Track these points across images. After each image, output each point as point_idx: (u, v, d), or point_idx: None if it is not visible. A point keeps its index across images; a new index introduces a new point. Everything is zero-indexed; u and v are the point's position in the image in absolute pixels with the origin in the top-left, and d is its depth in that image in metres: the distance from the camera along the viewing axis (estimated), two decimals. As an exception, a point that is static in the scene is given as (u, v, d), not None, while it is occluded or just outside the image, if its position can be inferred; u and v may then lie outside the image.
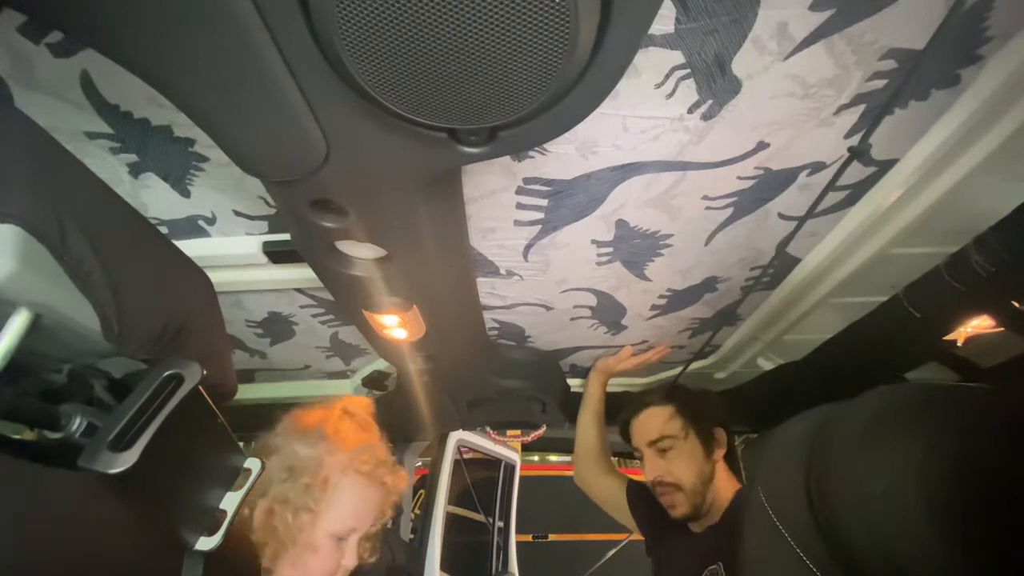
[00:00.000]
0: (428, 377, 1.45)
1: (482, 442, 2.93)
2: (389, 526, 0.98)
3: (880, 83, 0.67)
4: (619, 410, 1.43)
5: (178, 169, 0.82)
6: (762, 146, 0.76)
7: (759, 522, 0.69)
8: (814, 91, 0.67)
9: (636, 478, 1.54)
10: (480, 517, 3.11)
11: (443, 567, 2.32)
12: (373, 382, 1.66)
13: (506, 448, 3.16)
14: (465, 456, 2.96)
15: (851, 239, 0.95)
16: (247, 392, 1.68)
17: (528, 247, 0.98)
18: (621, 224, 0.93)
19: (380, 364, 1.61)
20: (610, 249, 1.00)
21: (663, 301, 1.22)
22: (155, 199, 0.88)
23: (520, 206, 0.87)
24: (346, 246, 0.85)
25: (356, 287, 0.94)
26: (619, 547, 4.39)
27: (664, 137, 0.73)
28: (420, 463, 3.04)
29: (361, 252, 0.86)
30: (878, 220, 0.90)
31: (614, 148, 0.75)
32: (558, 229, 0.93)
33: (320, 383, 1.70)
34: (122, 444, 0.47)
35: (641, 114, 0.69)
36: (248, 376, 1.62)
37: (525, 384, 1.56)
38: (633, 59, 0.52)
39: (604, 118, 0.69)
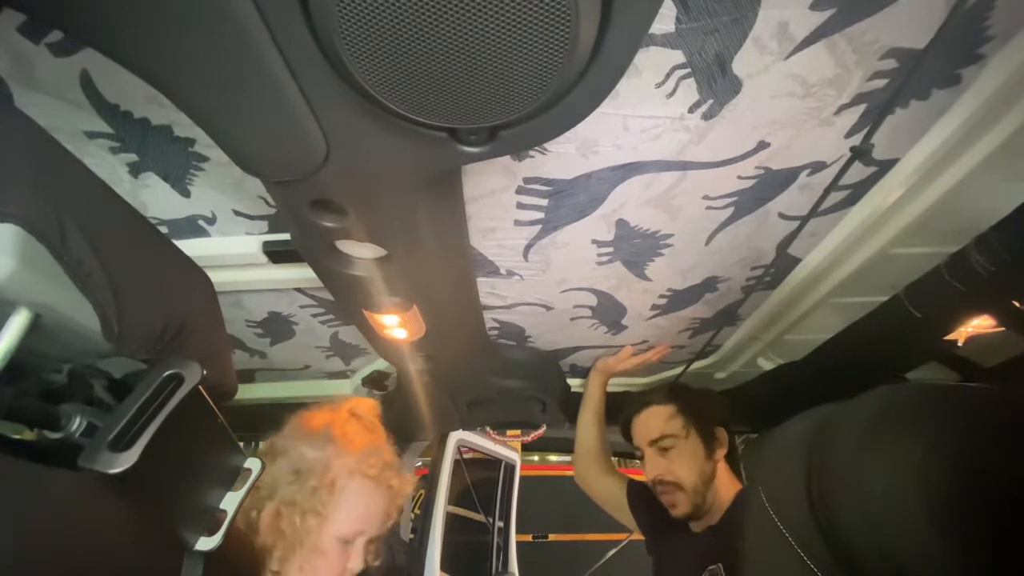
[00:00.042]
0: (428, 377, 1.45)
1: (482, 442, 2.93)
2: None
3: (881, 83, 0.67)
4: (619, 410, 1.43)
5: (178, 169, 0.82)
6: (763, 146, 0.76)
7: (760, 522, 0.69)
8: (815, 91, 0.67)
9: (636, 478, 1.54)
10: (480, 517, 3.10)
11: (443, 567, 2.32)
12: (373, 382, 1.66)
13: (506, 448, 3.16)
14: (465, 456, 2.96)
15: (851, 239, 0.95)
16: (247, 392, 1.68)
17: (528, 247, 0.98)
18: (621, 224, 0.93)
19: (380, 364, 1.61)
20: (610, 249, 1.00)
21: (663, 301, 1.22)
22: (155, 199, 0.88)
23: (520, 206, 0.87)
24: (346, 246, 0.85)
25: (356, 287, 0.94)
26: (619, 547, 4.39)
27: (665, 137, 0.73)
28: (420, 463, 3.04)
29: (361, 252, 0.86)
30: (879, 220, 0.89)
31: (614, 148, 0.75)
32: (558, 229, 0.93)
33: (320, 383, 1.70)
34: (122, 444, 0.47)
35: (642, 113, 0.69)
36: (248, 376, 1.62)
37: (525, 384, 1.56)
38: (634, 59, 0.52)
39: (604, 118, 0.69)
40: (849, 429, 0.61)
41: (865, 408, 0.62)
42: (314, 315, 1.29)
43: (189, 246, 0.79)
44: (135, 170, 0.82)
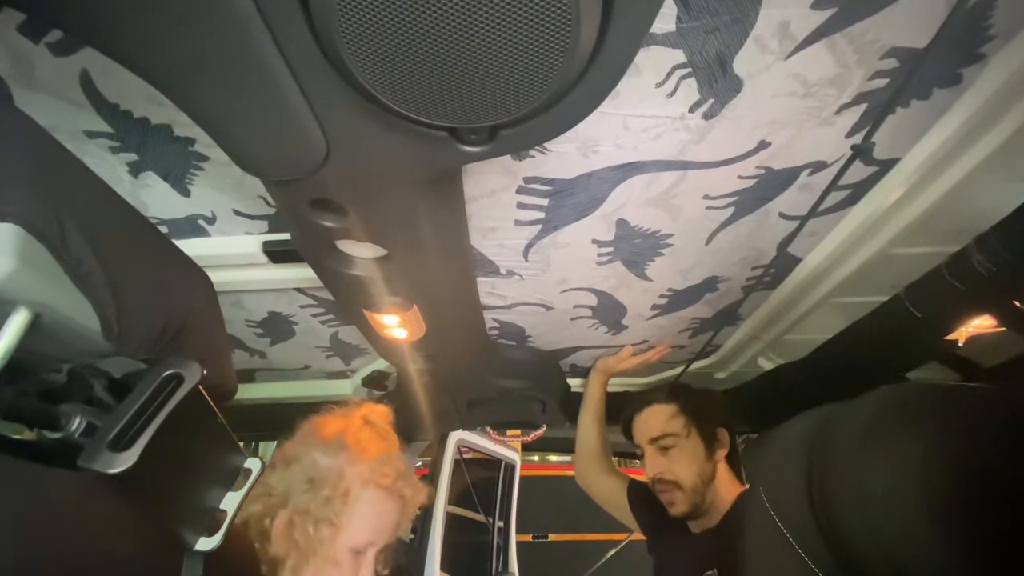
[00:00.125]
0: (428, 377, 1.44)
1: (482, 442, 2.93)
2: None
3: (882, 82, 0.67)
4: (619, 410, 1.43)
5: (178, 168, 0.82)
6: (763, 145, 0.76)
7: (760, 522, 0.69)
8: (815, 90, 0.67)
9: (637, 478, 1.54)
10: (480, 517, 3.10)
11: (443, 567, 2.32)
12: (373, 382, 1.66)
13: (506, 448, 3.16)
14: (465, 456, 2.96)
15: (852, 239, 0.95)
16: (247, 392, 1.67)
17: (528, 247, 0.98)
18: (622, 224, 0.93)
19: (380, 364, 1.61)
20: (611, 249, 1.00)
21: (664, 301, 1.22)
22: (155, 198, 0.88)
23: (520, 205, 0.87)
24: (346, 246, 0.84)
25: (356, 287, 0.93)
26: (619, 547, 4.39)
27: (665, 136, 0.73)
28: (420, 463, 3.04)
29: (361, 252, 0.86)
30: (879, 220, 0.89)
31: (615, 147, 0.75)
32: (558, 229, 0.93)
33: (320, 383, 1.70)
34: (122, 444, 0.47)
35: (642, 113, 0.69)
36: (248, 376, 1.62)
37: (525, 384, 1.56)
38: (634, 58, 0.52)
39: (605, 117, 0.69)
40: (849, 429, 0.61)
41: (865, 408, 0.62)
42: (314, 315, 1.29)
43: (189, 246, 0.79)
44: (135, 170, 0.82)
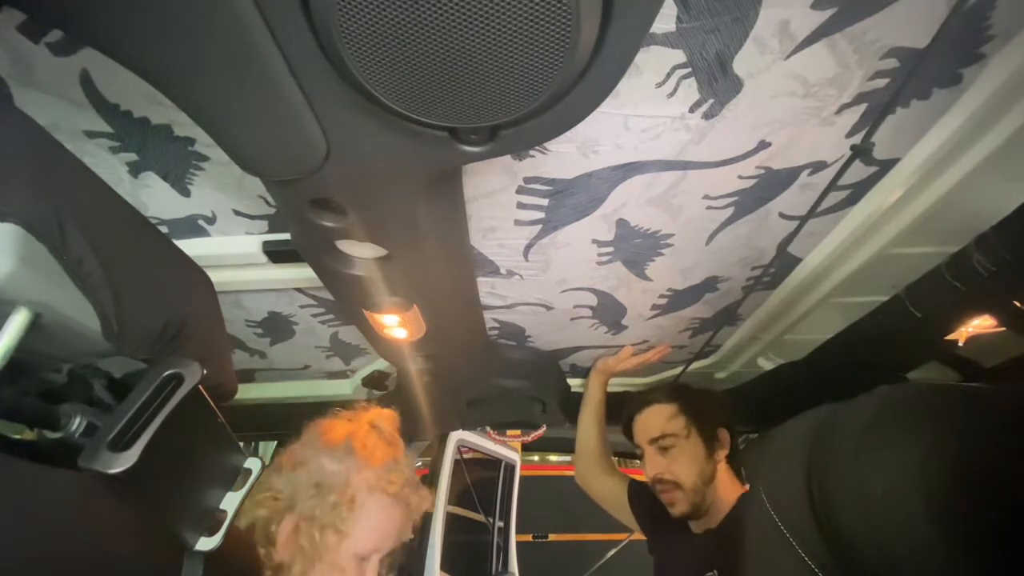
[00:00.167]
0: (428, 377, 1.44)
1: (482, 442, 2.93)
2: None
3: (882, 82, 0.67)
4: (620, 410, 1.43)
5: (178, 168, 0.82)
6: (763, 145, 0.76)
7: (761, 522, 0.69)
8: (815, 90, 0.67)
9: (637, 478, 1.53)
10: (480, 517, 3.10)
11: (443, 567, 2.32)
12: (373, 382, 1.66)
13: (506, 448, 3.16)
14: (465, 456, 2.96)
15: (852, 239, 0.95)
16: (247, 392, 1.67)
17: (528, 247, 0.98)
18: (622, 223, 0.93)
19: (380, 364, 1.61)
20: (611, 249, 1.00)
21: (664, 301, 1.21)
22: (155, 198, 0.88)
23: (521, 205, 0.87)
24: (346, 245, 0.84)
25: (356, 287, 0.93)
26: (619, 547, 4.39)
27: (665, 136, 0.73)
28: (420, 463, 3.03)
29: (361, 252, 0.86)
30: (879, 220, 0.89)
31: (615, 147, 0.75)
32: (559, 229, 0.93)
33: (320, 383, 1.70)
34: (122, 444, 0.47)
35: (642, 113, 0.69)
36: (248, 376, 1.62)
37: (525, 384, 1.56)
38: (634, 58, 0.52)
39: (605, 117, 0.69)
40: (849, 429, 0.61)
41: (865, 408, 0.62)
42: (314, 315, 1.29)
43: (189, 246, 0.79)
44: (135, 169, 0.82)
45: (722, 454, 1.25)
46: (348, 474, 0.85)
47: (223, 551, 0.58)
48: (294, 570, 0.80)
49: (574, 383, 1.73)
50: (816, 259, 1.04)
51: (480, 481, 3.12)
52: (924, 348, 1.22)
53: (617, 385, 1.70)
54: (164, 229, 0.94)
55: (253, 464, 0.66)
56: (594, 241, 0.97)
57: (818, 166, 0.82)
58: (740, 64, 0.63)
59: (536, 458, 5.11)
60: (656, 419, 1.29)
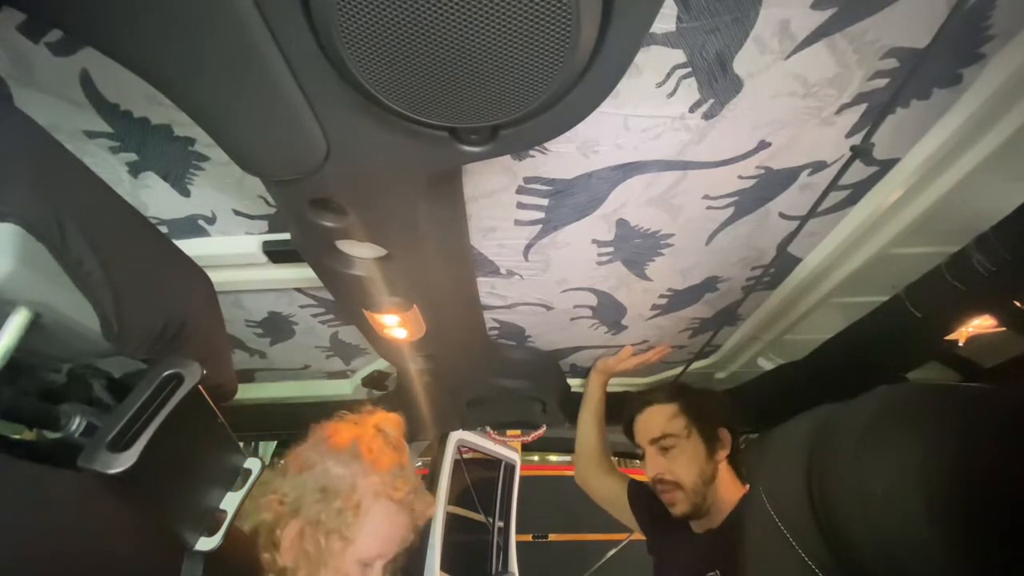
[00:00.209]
0: (428, 377, 1.44)
1: (482, 442, 2.93)
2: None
3: (882, 82, 0.67)
4: (620, 410, 1.43)
5: (178, 168, 0.82)
6: (763, 145, 0.76)
7: (761, 523, 0.69)
8: (815, 90, 0.67)
9: (637, 478, 1.53)
10: (480, 517, 3.10)
11: (443, 567, 2.32)
12: (373, 382, 1.66)
13: (506, 448, 3.16)
14: (465, 456, 2.96)
15: (852, 239, 0.95)
16: (247, 392, 1.67)
17: (528, 247, 0.98)
18: (622, 223, 0.93)
19: (380, 364, 1.61)
20: (611, 249, 1.00)
21: (664, 301, 1.21)
22: (155, 198, 0.88)
23: (521, 205, 0.87)
24: (346, 245, 0.84)
25: (356, 287, 0.93)
26: (619, 547, 4.39)
27: (665, 136, 0.73)
28: (420, 463, 3.04)
29: (361, 252, 0.86)
30: (879, 220, 0.89)
31: (615, 147, 0.75)
32: (559, 229, 0.93)
33: (320, 383, 1.70)
34: (121, 444, 0.47)
35: (642, 113, 0.69)
36: (248, 376, 1.62)
37: (525, 384, 1.56)
38: (634, 58, 0.52)
39: (605, 117, 0.69)
40: (849, 429, 0.61)
41: (865, 408, 0.62)
42: (314, 315, 1.29)
43: (189, 246, 0.79)
44: (135, 169, 0.82)
45: (723, 454, 1.25)
46: (354, 479, 0.85)
47: (223, 551, 0.58)
48: (298, 575, 0.80)
49: (574, 383, 1.73)
50: (816, 259, 1.04)
51: (480, 481, 3.12)
52: (924, 348, 1.22)
53: (617, 385, 1.70)
54: (164, 229, 0.94)
55: (253, 464, 0.66)
56: (594, 241, 0.97)
57: (818, 166, 0.82)
58: (740, 64, 0.63)
59: (536, 458, 5.11)
60: (657, 419, 1.29)
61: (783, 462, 0.71)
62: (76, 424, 0.50)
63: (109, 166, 0.81)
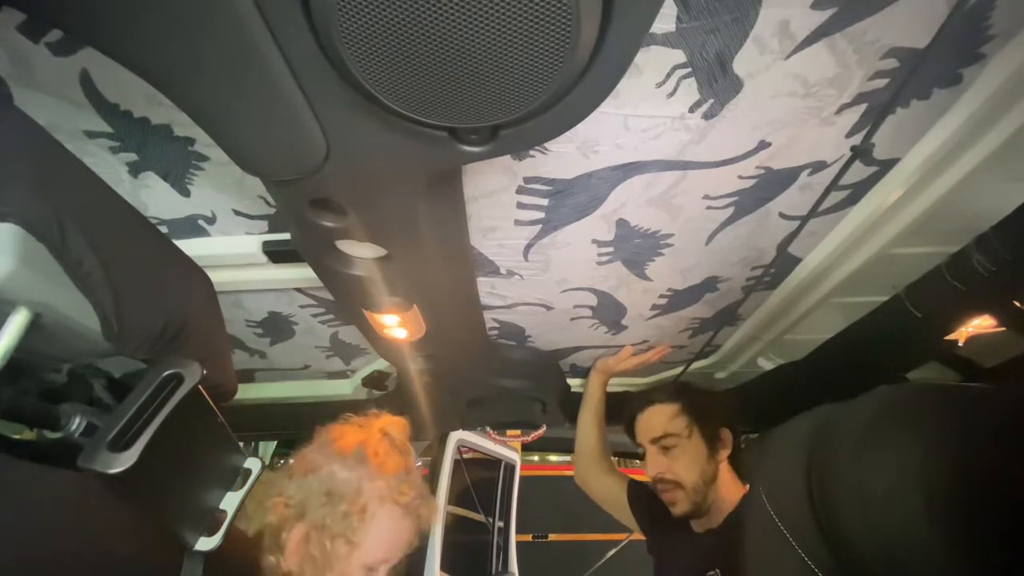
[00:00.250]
0: (428, 377, 1.44)
1: (482, 442, 2.93)
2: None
3: (882, 82, 0.67)
4: (620, 410, 1.43)
5: (178, 168, 0.82)
6: (763, 145, 0.76)
7: (761, 523, 0.69)
8: (815, 90, 0.67)
9: (637, 478, 1.53)
10: (480, 517, 3.10)
11: (443, 567, 2.32)
12: (373, 382, 1.66)
13: (506, 448, 3.16)
14: (465, 456, 2.96)
15: (852, 239, 0.95)
16: (247, 392, 1.67)
17: (528, 247, 0.98)
18: (622, 223, 0.93)
19: (380, 364, 1.61)
20: (611, 249, 1.00)
21: (664, 301, 1.21)
22: (155, 198, 0.88)
23: (521, 205, 0.87)
24: (346, 245, 0.84)
25: (356, 287, 0.93)
26: (619, 547, 4.39)
27: (665, 136, 0.73)
28: (420, 463, 3.03)
29: (361, 252, 0.86)
30: (879, 220, 0.89)
31: (615, 147, 0.75)
32: (559, 229, 0.93)
33: (320, 383, 1.70)
34: (121, 444, 0.47)
35: (642, 113, 0.69)
36: (248, 376, 1.62)
37: (525, 384, 1.56)
38: (634, 58, 0.52)
39: (605, 117, 0.69)
40: (849, 429, 0.61)
41: (865, 408, 0.62)
42: (314, 315, 1.29)
43: (189, 246, 0.79)
44: (135, 169, 0.82)
45: (724, 454, 1.25)
46: (360, 483, 0.84)
47: (223, 551, 0.58)
48: None
49: (574, 383, 1.73)
50: (816, 259, 1.04)
51: (480, 481, 3.12)
52: (924, 348, 1.22)
53: (617, 385, 1.69)
54: (164, 229, 0.94)
55: (253, 464, 0.66)
56: (594, 241, 0.97)
57: (818, 166, 0.82)
58: (740, 64, 0.63)
59: (536, 458, 5.11)
60: (658, 418, 1.29)
61: (783, 462, 0.71)
62: (76, 424, 0.50)
63: (109, 166, 0.81)
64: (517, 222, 0.91)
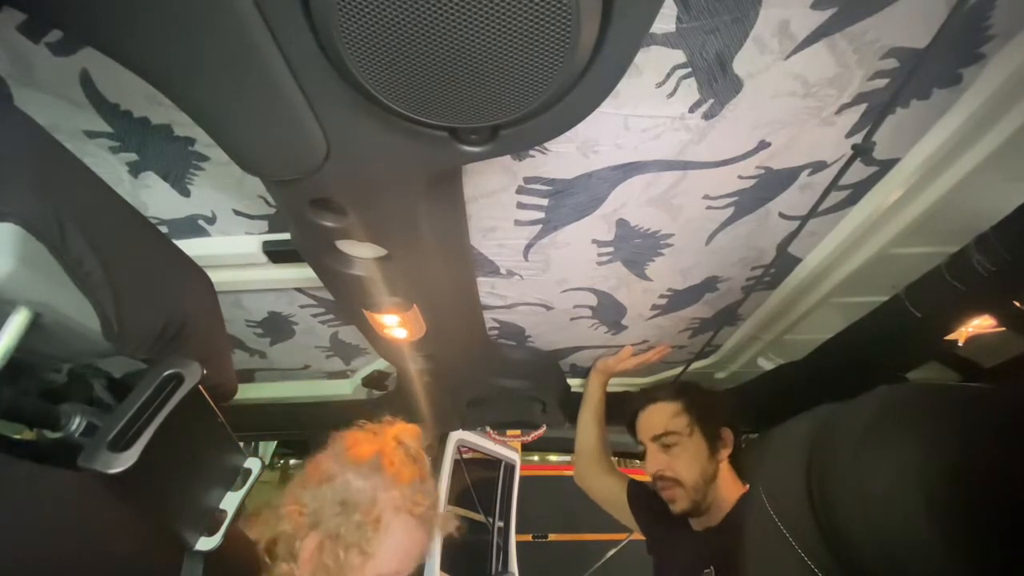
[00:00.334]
0: (428, 377, 1.44)
1: (482, 442, 2.93)
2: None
3: (882, 82, 0.67)
4: (620, 410, 1.43)
5: (178, 168, 0.82)
6: (763, 145, 0.76)
7: (761, 522, 0.69)
8: (815, 90, 0.67)
9: (637, 478, 1.53)
10: (480, 517, 3.10)
11: (443, 567, 2.32)
12: (373, 382, 1.66)
13: (506, 448, 3.16)
14: (465, 456, 2.96)
15: (852, 239, 0.95)
16: (247, 392, 1.67)
17: (528, 247, 0.98)
18: (622, 223, 0.93)
19: (380, 364, 1.61)
20: (611, 249, 1.00)
21: (664, 301, 1.21)
22: (155, 198, 0.88)
23: (521, 205, 0.87)
24: (346, 245, 0.84)
25: (356, 287, 0.93)
26: (619, 547, 4.39)
27: (665, 136, 0.73)
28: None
29: (361, 252, 0.86)
30: (879, 220, 0.89)
31: (615, 147, 0.75)
32: (559, 229, 0.93)
33: (320, 383, 1.70)
34: (122, 444, 0.47)
35: (642, 113, 0.69)
36: (248, 376, 1.62)
37: (525, 384, 1.56)
38: (634, 58, 0.52)
39: (605, 117, 0.69)
40: (849, 429, 0.61)
41: (865, 408, 0.62)
42: (314, 315, 1.29)
43: (189, 246, 0.79)
44: (135, 169, 0.82)
45: (725, 453, 1.25)
46: (375, 492, 0.84)
47: (223, 551, 0.58)
48: None
49: (574, 383, 1.73)
50: (816, 259, 1.04)
51: (480, 481, 3.12)
52: (924, 348, 1.22)
53: (617, 385, 1.70)
54: (164, 229, 0.94)
55: (253, 464, 0.66)
56: (594, 241, 0.97)
57: (818, 166, 0.82)
58: (740, 64, 0.63)
59: (536, 458, 5.11)
60: (659, 416, 1.29)
61: (783, 462, 0.71)
62: (76, 424, 0.50)
63: (109, 166, 0.81)
64: (517, 222, 0.91)
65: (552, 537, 4.77)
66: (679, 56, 0.61)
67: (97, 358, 0.56)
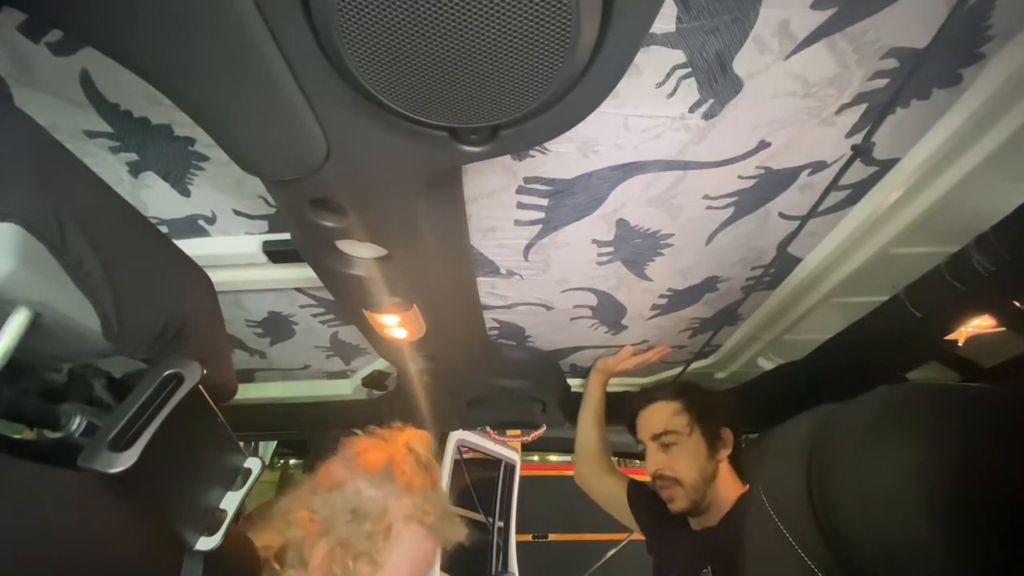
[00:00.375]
0: (428, 377, 1.44)
1: (482, 442, 2.93)
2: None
3: (882, 82, 0.67)
4: (620, 410, 1.43)
5: (178, 168, 0.82)
6: (763, 145, 0.76)
7: (760, 522, 0.69)
8: (815, 90, 0.67)
9: (637, 478, 1.53)
10: (480, 517, 3.10)
11: (443, 567, 2.32)
12: (373, 382, 1.66)
13: (506, 448, 3.16)
14: (465, 456, 2.96)
15: (852, 239, 0.95)
16: (247, 392, 1.67)
17: (528, 247, 0.98)
18: (622, 223, 0.93)
19: (380, 364, 1.61)
20: (611, 249, 1.00)
21: (664, 301, 1.22)
22: (155, 198, 0.88)
23: (521, 205, 0.87)
24: (346, 245, 0.84)
25: (356, 287, 0.93)
26: (619, 547, 4.39)
27: (665, 136, 0.73)
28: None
29: (361, 251, 0.86)
30: (879, 220, 0.89)
31: (615, 147, 0.75)
32: (559, 229, 0.93)
33: (320, 383, 1.70)
34: (122, 444, 0.47)
35: (642, 113, 0.69)
36: (248, 376, 1.62)
37: (525, 384, 1.56)
38: (634, 58, 0.52)
39: (605, 117, 0.69)
40: (849, 429, 0.61)
41: (865, 408, 0.62)
42: (314, 315, 1.29)
43: (189, 246, 0.79)
44: (135, 169, 0.82)
45: (724, 453, 1.25)
46: (386, 501, 0.83)
47: (223, 551, 0.58)
48: None
49: (574, 383, 1.73)
50: (816, 259, 1.04)
51: (480, 481, 3.12)
52: (924, 348, 1.22)
53: (617, 385, 1.70)
54: (164, 229, 0.94)
55: (253, 464, 0.66)
56: (594, 241, 0.97)
57: (818, 166, 0.82)
58: (740, 64, 0.63)
59: (536, 458, 5.11)
60: (659, 415, 1.29)
61: (783, 462, 0.71)
62: (76, 424, 0.50)
63: (109, 166, 0.81)
64: (517, 222, 0.91)
65: (552, 537, 4.77)
66: (679, 56, 0.61)
67: (97, 358, 0.56)
